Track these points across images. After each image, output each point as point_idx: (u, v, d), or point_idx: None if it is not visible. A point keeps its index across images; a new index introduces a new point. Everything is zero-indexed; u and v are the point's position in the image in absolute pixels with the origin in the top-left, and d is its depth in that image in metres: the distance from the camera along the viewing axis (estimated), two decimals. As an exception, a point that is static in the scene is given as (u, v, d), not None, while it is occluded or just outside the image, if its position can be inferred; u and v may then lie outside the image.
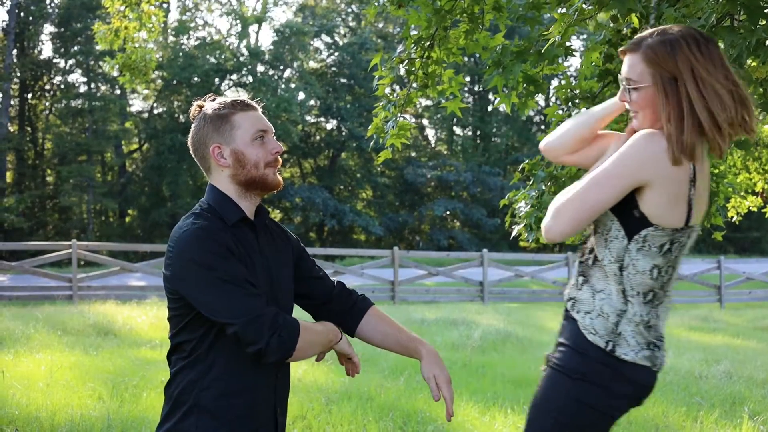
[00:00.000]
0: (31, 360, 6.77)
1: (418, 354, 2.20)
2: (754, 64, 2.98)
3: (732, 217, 7.05)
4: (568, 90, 3.77)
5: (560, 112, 3.92)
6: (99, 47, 7.07)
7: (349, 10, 37.04)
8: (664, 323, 2.14)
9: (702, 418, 5.69)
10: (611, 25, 3.77)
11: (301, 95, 31.98)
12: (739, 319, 14.30)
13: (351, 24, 36.73)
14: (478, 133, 37.43)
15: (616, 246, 2.04)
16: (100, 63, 27.03)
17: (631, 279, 2.04)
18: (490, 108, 35.88)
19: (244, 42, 34.05)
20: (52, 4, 30.65)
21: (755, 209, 6.97)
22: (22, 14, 29.40)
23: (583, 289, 2.11)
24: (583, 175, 2.11)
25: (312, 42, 34.40)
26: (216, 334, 2.02)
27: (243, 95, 2.11)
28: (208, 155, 2.11)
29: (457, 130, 38.48)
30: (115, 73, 7.56)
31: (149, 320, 9.96)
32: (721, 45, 2.90)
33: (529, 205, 3.71)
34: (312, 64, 35.01)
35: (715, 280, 18.45)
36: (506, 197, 4.04)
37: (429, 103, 36.71)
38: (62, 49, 30.50)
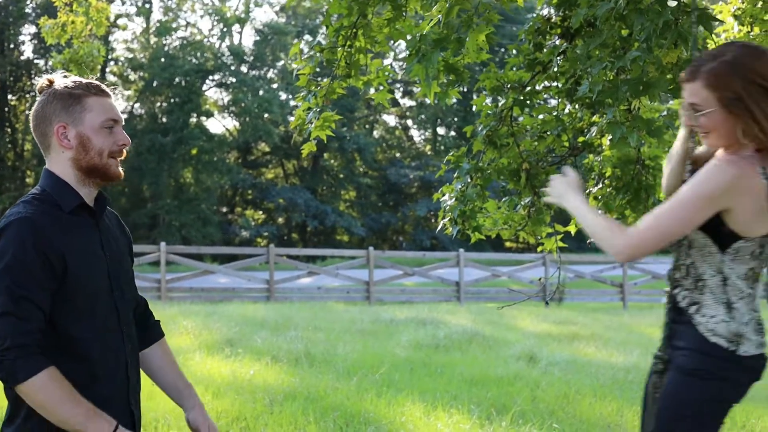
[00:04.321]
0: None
1: (186, 401, 2.18)
2: (670, 52, 2.87)
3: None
4: (495, 80, 3.67)
5: (488, 102, 3.82)
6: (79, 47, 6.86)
7: (333, 10, 36.87)
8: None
9: (654, 416, 5.60)
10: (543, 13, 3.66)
11: (283, 95, 31.83)
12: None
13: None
14: (462, 132, 37.39)
15: (712, 260, 2.21)
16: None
17: (734, 285, 2.20)
18: (474, 108, 35.84)
19: (226, 42, 33.86)
20: (32, 5, 30.39)
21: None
22: (2, 14, 29.14)
23: (705, 294, 2.23)
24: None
25: (294, 42, 34.20)
26: (50, 329, 1.89)
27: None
28: (51, 133, 1.98)
29: (441, 131, 38.41)
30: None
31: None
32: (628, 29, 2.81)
33: (454, 198, 3.60)
34: (294, 65, 34.84)
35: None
36: (440, 191, 3.93)
37: (413, 103, 36.66)
38: (42, 50, 30.23)
